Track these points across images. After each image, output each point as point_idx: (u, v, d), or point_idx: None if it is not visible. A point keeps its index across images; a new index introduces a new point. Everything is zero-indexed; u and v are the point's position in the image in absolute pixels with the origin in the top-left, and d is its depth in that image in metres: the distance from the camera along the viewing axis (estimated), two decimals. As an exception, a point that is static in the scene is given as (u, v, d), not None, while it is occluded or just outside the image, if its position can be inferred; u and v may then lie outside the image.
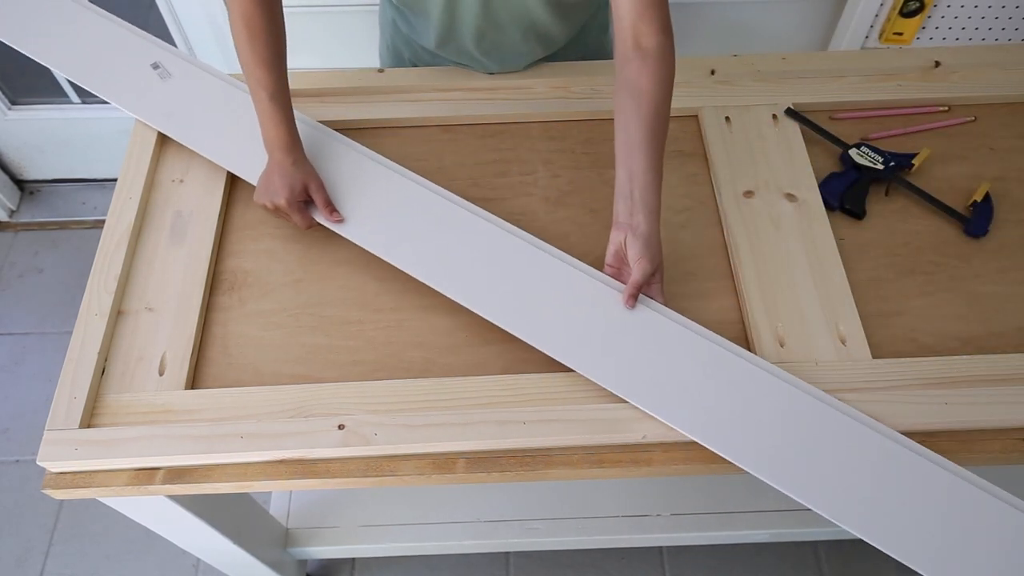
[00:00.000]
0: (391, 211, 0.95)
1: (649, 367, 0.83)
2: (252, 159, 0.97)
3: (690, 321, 0.86)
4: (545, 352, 0.84)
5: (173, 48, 1.09)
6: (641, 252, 0.84)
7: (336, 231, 0.94)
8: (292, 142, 0.93)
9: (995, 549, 0.74)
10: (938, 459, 0.78)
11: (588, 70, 1.12)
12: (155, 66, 1.03)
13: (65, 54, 1.07)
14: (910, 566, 0.74)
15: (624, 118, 0.86)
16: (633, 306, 0.86)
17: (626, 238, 0.84)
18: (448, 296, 0.88)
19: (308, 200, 0.94)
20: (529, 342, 0.85)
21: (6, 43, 1.08)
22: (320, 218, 0.95)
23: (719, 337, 0.85)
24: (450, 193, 0.96)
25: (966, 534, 0.75)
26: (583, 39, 1.15)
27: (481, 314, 0.87)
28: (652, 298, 0.87)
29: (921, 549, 0.74)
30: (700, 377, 0.83)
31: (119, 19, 1.11)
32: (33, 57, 1.07)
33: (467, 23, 1.01)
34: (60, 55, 1.08)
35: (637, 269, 0.84)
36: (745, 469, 0.78)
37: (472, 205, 0.95)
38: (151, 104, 1.04)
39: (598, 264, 0.91)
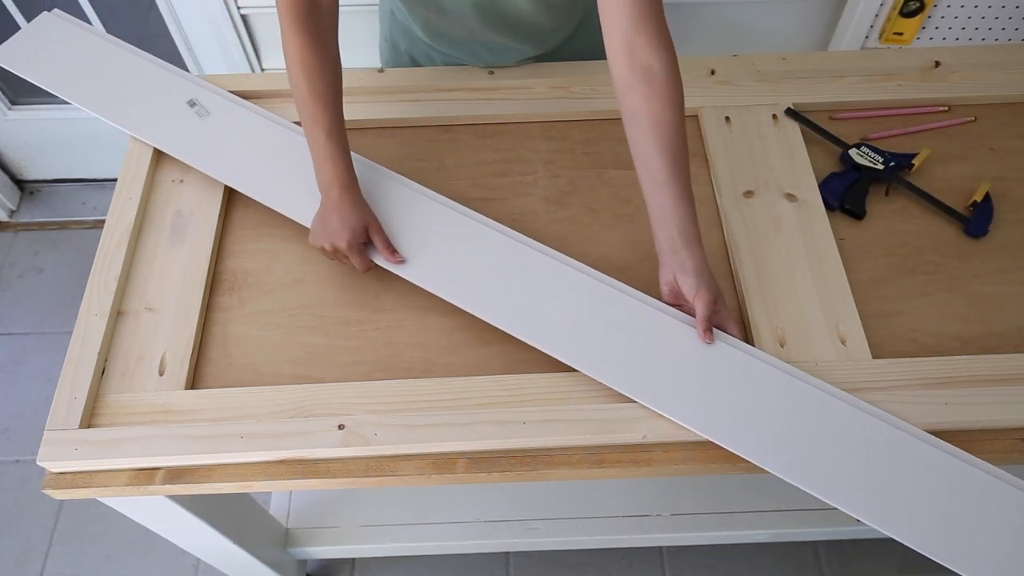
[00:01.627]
0: (399, 221, 0.94)
1: (653, 365, 0.83)
2: (303, 199, 0.94)
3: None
4: (549, 353, 0.84)
5: (207, 84, 1.07)
6: (696, 285, 0.81)
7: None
8: (350, 181, 0.89)
9: (1003, 531, 0.74)
10: (944, 445, 0.79)
11: (588, 70, 1.12)
12: (192, 103, 1.01)
13: (102, 97, 1.04)
14: (920, 551, 0.74)
15: (642, 152, 0.83)
16: (711, 340, 0.83)
17: (676, 276, 0.82)
18: (455, 304, 0.88)
19: (368, 242, 0.90)
20: (534, 344, 0.85)
21: (44, 87, 1.05)
22: (379, 259, 0.91)
23: (722, 334, 0.85)
24: (454, 202, 0.96)
25: (974, 518, 0.75)
26: (579, 38, 1.15)
27: (486, 319, 0.87)
28: (726, 331, 0.84)
29: (928, 533, 0.74)
30: (704, 374, 0.83)
31: (150, 55, 1.09)
32: (70, 100, 1.05)
33: (458, 17, 1.00)
34: (97, 98, 1.04)
35: (699, 304, 0.81)
36: (758, 464, 0.78)
37: (476, 213, 0.95)
38: (193, 145, 1.01)
39: (599, 264, 0.91)
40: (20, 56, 1.07)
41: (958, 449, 0.79)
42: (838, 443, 0.79)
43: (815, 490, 0.76)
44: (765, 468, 0.78)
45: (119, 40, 1.11)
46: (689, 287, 0.82)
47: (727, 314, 0.85)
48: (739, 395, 0.81)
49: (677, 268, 0.82)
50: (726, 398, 0.81)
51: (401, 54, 1.19)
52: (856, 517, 0.75)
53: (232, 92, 1.08)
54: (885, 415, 0.80)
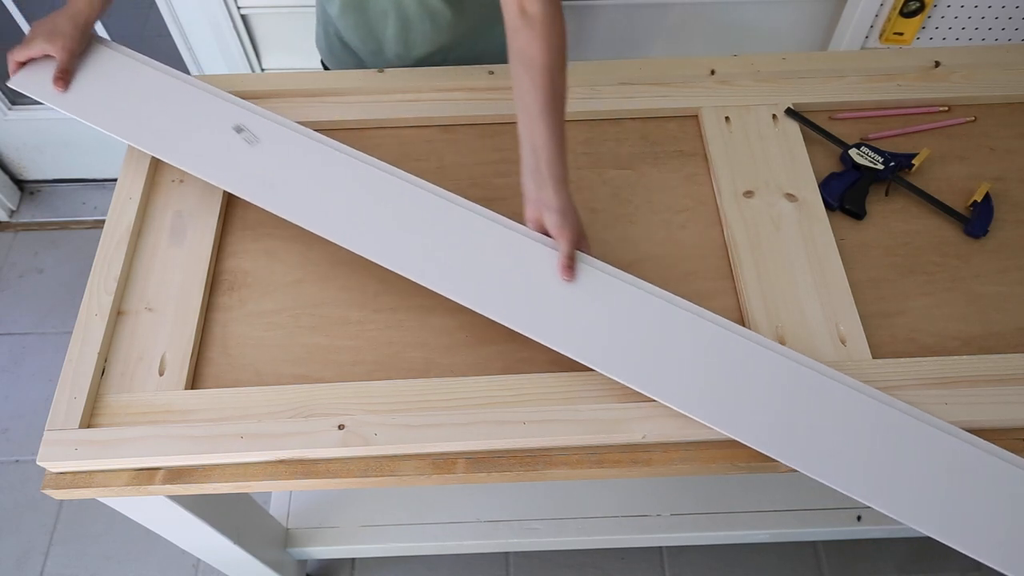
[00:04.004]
0: (386, 214, 0.93)
1: (660, 356, 0.83)
2: (370, 231, 0.90)
3: (695, 305, 0.87)
4: (555, 348, 0.84)
5: (254, 107, 0.99)
6: (560, 223, 0.86)
7: (329, 239, 0.91)
8: (79, 9, 0.96)
9: (1008, 511, 0.75)
10: (946, 426, 0.80)
11: (588, 70, 1.12)
12: (239, 129, 0.94)
13: (139, 126, 0.98)
14: (927, 533, 0.75)
15: (521, 91, 0.87)
16: (572, 278, 0.87)
17: (542, 214, 0.87)
18: (451, 298, 0.88)
19: (48, 55, 0.98)
20: (538, 339, 0.85)
21: (73, 116, 0.98)
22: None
23: (727, 321, 0.86)
24: (442, 190, 0.95)
25: (979, 499, 0.76)
26: (486, 38, 1.15)
27: (487, 314, 0.87)
28: (584, 251, 0.90)
29: (933, 515, 0.75)
30: (709, 363, 0.83)
31: (187, 75, 1.02)
32: (103, 129, 0.98)
33: None
34: (133, 127, 0.98)
35: (563, 242, 0.87)
36: (774, 456, 0.79)
37: (467, 200, 0.94)
38: (244, 175, 0.93)
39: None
40: (43, 81, 0.99)
41: (962, 431, 0.80)
42: (841, 427, 0.79)
43: (819, 475, 0.77)
44: (781, 460, 0.78)
45: (152, 60, 1.03)
46: (553, 224, 0.87)
47: (587, 248, 0.90)
48: (744, 383, 0.82)
49: (543, 206, 0.87)
50: (733, 387, 0.82)
51: (330, 36, 1.21)
52: (861, 500, 0.75)
53: (232, 92, 1.08)
54: (886, 396, 0.81)
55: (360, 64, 1.21)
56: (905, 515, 0.75)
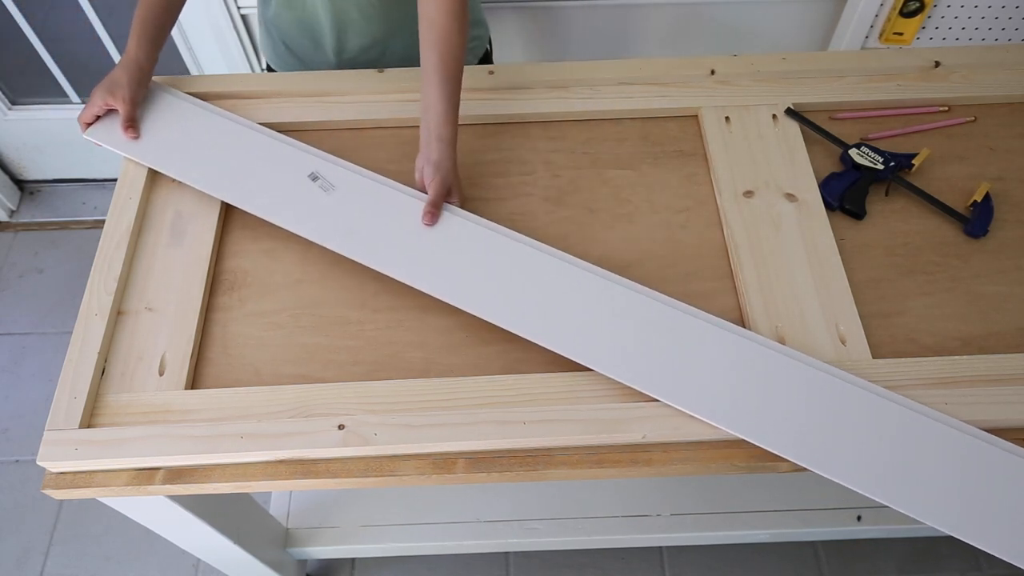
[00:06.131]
0: (375, 220, 0.94)
1: (657, 356, 0.84)
2: (451, 276, 0.90)
3: (690, 307, 0.87)
4: (555, 351, 0.84)
5: (328, 156, 1.00)
6: (433, 175, 0.93)
7: (329, 247, 0.92)
8: (137, 59, 1.01)
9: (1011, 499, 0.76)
10: (955, 422, 0.80)
11: (588, 70, 1.12)
12: (314, 177, 0.94)
13: (220, 176, 0.98)
14: (944, 530, 0.75)
15: (422, 50, 0.94)
16: (431, 223, 0.93)
17: (424, 165, 0.94)
18: (455, 305, 0.88)
19: (112, 108, 1.02)
20: (539, 342, 0.85)
21: (152, 167, 1.01)
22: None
23: (722, 321, 0.86)
24: (450, 204, 0.96)
25: (991, 494, 0.76)
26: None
27: (486, 317, 0.87)
28: (451, 203, 0.95)
29: (947, 511, 0.76)
30: (708, 362, 0.83)
31: (261, 127, 1.03)
32: (183, 180, 0.99)
33: None
34: (209, 175, 0.99)
35: (431, 190, 0.93)
36: (777, 453, 0.79)
37: (469, 213, 0.95)
38: (323, 224, 0.94)
39: (599, 264, 0.91)
40: (115, 132, 1.02)
41: (971, 427, 0.80)
42: (851, 426, 0.80)
43: (834, 474, 0.77)
44: (794, 460, 0.79)
45: (223, 110, 1.05)
46: (428, 176, 0.94)
47: (458, 200, 0.96)
48: (750, 383, 0.82)
49: (426, 159, 0.94)
50: (740, 388, 0.82)
51: (275, 38, 1.20)
52: (876, 499, 0.75)
53: (232, 92, 1.08)
54: (893, 394, 0.81)
55: (302, 64, 1.20)
56: (922, 513, 0.75)
